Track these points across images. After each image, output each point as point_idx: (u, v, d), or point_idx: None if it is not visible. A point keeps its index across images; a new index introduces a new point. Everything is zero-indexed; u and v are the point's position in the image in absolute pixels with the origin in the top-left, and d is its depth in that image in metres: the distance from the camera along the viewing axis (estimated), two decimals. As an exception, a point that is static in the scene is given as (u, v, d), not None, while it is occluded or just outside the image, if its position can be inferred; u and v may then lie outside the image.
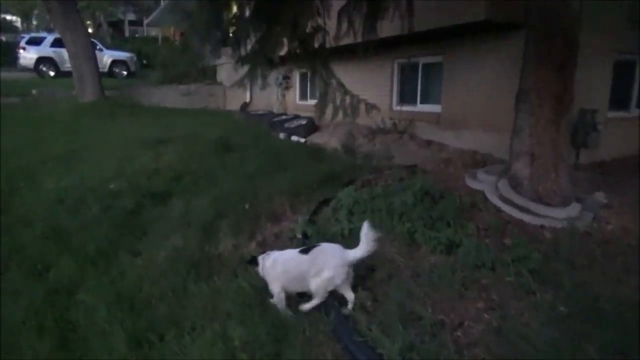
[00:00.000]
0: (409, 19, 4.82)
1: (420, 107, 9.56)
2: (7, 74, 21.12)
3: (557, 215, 4.72)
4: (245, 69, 5.48)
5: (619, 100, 8.29)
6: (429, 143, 8.56)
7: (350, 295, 3.36)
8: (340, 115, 5.10)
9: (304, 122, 11.02)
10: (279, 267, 3.40)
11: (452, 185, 5.57)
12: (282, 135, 10.23)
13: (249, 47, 5.69)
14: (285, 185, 5.78)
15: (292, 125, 10.91)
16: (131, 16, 37.49)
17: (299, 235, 4.42)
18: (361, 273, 3.76)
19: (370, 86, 10.26)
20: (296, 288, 3.41)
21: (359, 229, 4.27)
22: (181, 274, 3.89)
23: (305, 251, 3.44)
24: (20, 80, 17.49)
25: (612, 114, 7.93)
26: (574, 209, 4.82)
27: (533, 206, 4.82)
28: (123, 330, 3.15)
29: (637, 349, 2.78)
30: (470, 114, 8.29)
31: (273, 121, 11.76)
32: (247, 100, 15.49)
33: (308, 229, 4.46)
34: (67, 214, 5.04)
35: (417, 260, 3.97)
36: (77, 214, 5.07)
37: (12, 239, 4.48)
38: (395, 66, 10.16)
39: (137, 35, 36.23)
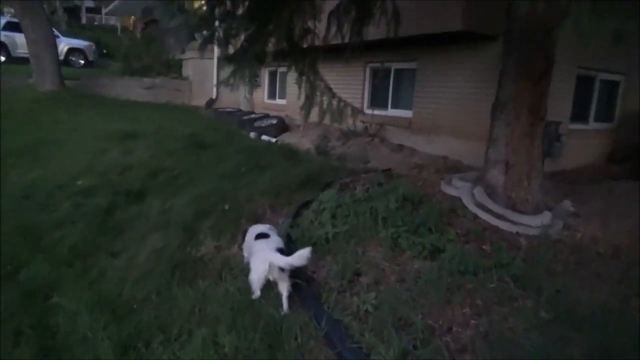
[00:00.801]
0: (395, 25, 4.87)
1: (391, 112, 9.71)
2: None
3: (531, 223, 4.91)
4: (226, 68, 5.37)
5: (579, 113, 8.72)
6: (400, 147, 8.70)
7: (283, 293, 3.45)
8: (328, 118, 5.09)
9: (274, 121, 10.95)
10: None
11: (429, 191, 5.68)
12: (252, 135, 10.12)
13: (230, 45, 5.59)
14: (264, 186, 5.73)
15: (263, 125, 10.81)
16: (89, 3, 36.06)
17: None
18: (348, 279, 3.79)
19: (342, 88, 10.29)
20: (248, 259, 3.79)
21: (343, 233, 4.37)
22: (164, 276, 3.78)
23: (257, 237, 3.77)
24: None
25: (573, 126, 8.32)
26: (545, 217, 5.03)
27: (508, 213, 4.99)
28: (107, 337, 3.03)
29: (617, 352, 2.93)
30: (441, 121, 8.49)
31: (243, 119, 11.62)
32: (214, 96, 15.23)
33: (291, 232, 4.44)
34: (36, 211, 4.80)
35: (402, 265, 4.02)
36: (47, 211, 4.83)
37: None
38: (368, 70, 10.27)
39: (95, 23, 34.88)
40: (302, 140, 9.92)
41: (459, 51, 8.06)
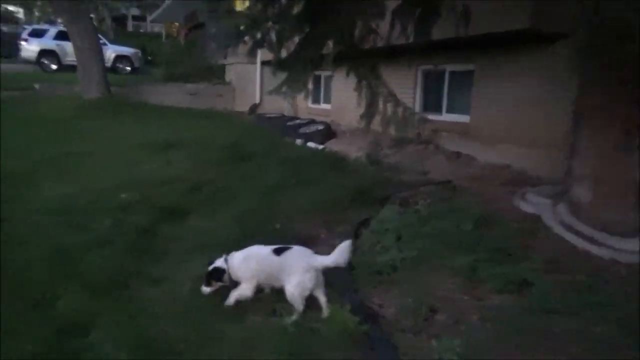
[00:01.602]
0: (465, 23, 4.29)
1: (446, 117, 9.02)
2: (7, 66, 20.53)
3: (627, 247, 4.19)
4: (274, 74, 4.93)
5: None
6: (457, 155, 8.03)
7: (322, 299, 3.29)
8: (392, 128, 4.56)
9: (320, 127, 10.49)
10: (253, 263, 3.42)
11: (500, 207, 5.05)
12: (298, 142, 9.68)
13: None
14: (314, 201, 5.24)
15: (308, 131, 10.37)
16: (135, 11, 36.90)
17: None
18: (423, 316, 3.23)
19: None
20: (270, 283, 3.45)
21: (411, 259, 3.81)
22: (209, 310, 3.33)
23: (277, 252, 3.40)
24: (22, 73, 16.87)
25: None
26: (644, 242, 4.30)
27: (600, 236, 4.29)
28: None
29: None
30: (502, 127, 7.77)
31: (287, 125, 11.21)
32: (257, 102, 14.94)
33: (352, 257, 3.91)
34: (71, 230, 4.46)
35: (483, 300, 3.43)
36: (82, 230, 4.49)
37: (8, 262, 3.88)
38: (419, 73, 9.64)
39: (140, 30, 35.64)
40: (349, 148, 9.39)
41: (523, 51, 7.32)
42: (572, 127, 4.88)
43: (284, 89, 4.69)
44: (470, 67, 8.39)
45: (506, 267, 3.58)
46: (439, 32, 5.34)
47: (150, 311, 3.33)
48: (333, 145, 9.81)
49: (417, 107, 9.71)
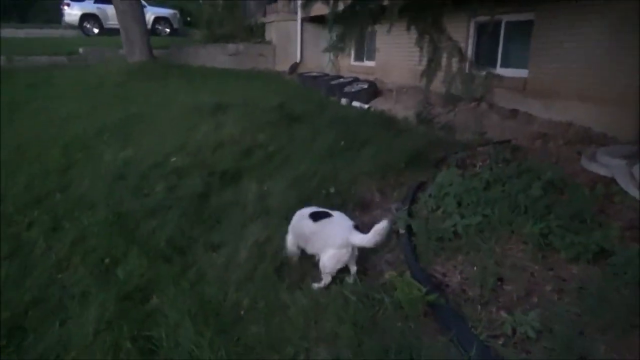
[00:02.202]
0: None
1: (501, 71, 8.50)
2: (51, 31, 20.91)
3: None
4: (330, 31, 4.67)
5: None
6: (514, 113, 7.60)
7: (353, 269, 3.27)
8: (458, 88, 4.28)
9: (365, 86, 10.17)
10: (295, 219, 3.46)
11: (569, 169, 4.73)
12: (343, 101, 9.42)
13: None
14: (367, 164, 5.08)
15: (353, 90, 10.07)
16: (171, -29, 36.44)
17: (402, 231, 3.73)
18: (490, 286, 3.07)
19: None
20: (302, 245, 3.41)
21: (475, 226, 3.62)
22: (270, 277, 3.28)
23: (315, 217, 3.30)
24: (65, 38, 17.12)
25: None
26: None
27: (684, 200, 3.96)
28: (215, 356, 2.59)
29: None
30: (564, 82, 7.24)
31: (331, 85, 10.92)
32: (298, 60, 14.64)
33: (411, 222, 3.76)
34: (130, 195, 4.50)
35: (557, 270, 3.23)
36: (141, 195, 4.53)
37: (74, 226, 3.97)
38: (472, 25, 9.07)
39: (177, -9, 35.27)
40: (396, 107, 9.08)
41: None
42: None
43: (340, 44, 4.45)
44: (529, 16, 7.80)
45: (581, 235, 3.33)
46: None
47: (211, 277, 3.32)
48: (379, 104, 9.51)
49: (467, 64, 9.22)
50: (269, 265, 3.38)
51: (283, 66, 14.74)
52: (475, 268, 3.28)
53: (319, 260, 3.23)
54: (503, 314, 2.88)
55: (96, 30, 19.79)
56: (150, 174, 5.03)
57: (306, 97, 8.93)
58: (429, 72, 4.35)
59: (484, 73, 4.20)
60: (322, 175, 4.79)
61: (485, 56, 8.92)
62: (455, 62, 4.24)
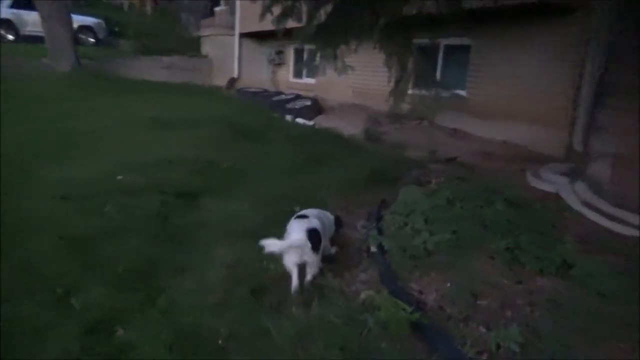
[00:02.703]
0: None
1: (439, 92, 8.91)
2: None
3: (650, 226, 4.23)
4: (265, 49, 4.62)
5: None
6: (454, 131, 7.97)
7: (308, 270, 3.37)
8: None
9: (308, 103, 10.23)
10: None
11: (518, 186, 5.00)
12: (288, 118, 9.40)
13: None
14: (329, 182, 5.07)
15: (296, 107, 10.09)
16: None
17: (374, 249, 3.73)
18: (468, 303, 3.14)
19: (382, 69, 9.57)
20: None
21: (444, 242, 3.71)
22: (246, 301, 3.14)
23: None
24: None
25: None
26: (663, 218, 4.34)
27: (622, 214, 4.31)
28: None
29: None
30: (500, 103, 7.75)
31: (273, 101, 10.87)
32: (235, 75, 14.45)
33: (383, 240, 3.78)
34: (78, 217, 4.14)
35: (526, 284, 3.37)
36: (91, 216, 4.18)
37: (16, 253, 3.56)
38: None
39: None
40: (341, 124, 9.20)
41: (524, 26, 7.24)
42: (592, 105, 4.85)
43: (316, 61, 4.42)
44: (466, 41, 8.27)
45: (544, 249, 3.51)
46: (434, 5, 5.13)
47: (183, 304, 3.12)
48: (322, 121, 9.59)
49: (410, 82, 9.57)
50: (244, 289, 3.23)
51: (220, 81, 14.47)
52: (449, 285, 3.34)
53: None
54: (482, 329, 2.95)
55: (11, 37, 18.28)
56: (96, 193, 4.67)
57: (251, 113, 8.80)
58: (397, 92, 4.43)
59: (447, 95, 4.32)
60: (284, 193, 4.71)
61: (422, 77, 9.30)
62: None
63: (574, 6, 6.38)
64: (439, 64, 8.93)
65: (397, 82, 4.43)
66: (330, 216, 3.79)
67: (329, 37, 4.22)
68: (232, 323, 2.94)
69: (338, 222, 3.86)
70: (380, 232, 4.01)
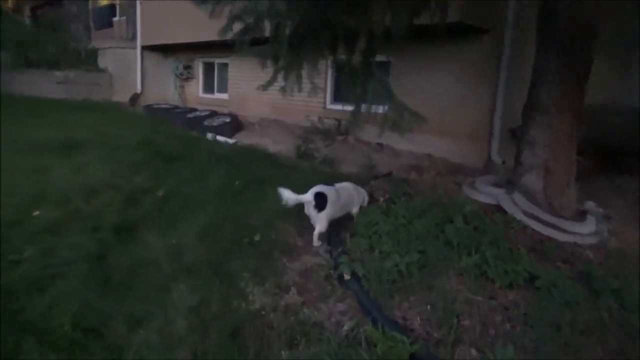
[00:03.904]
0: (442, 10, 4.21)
1: (363, 107, 9.05)
2: None
3: (583, 231, 4.58)
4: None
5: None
6: (380, 146, 8.12)
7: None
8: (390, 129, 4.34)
9: (227, 119, 9.83)
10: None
11: (459, 199, 5.16)
12: (209, 136, 8.93)
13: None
14: (275, 205, 4.80)
15: (214, 124, 9.63)
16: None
17: (347, 276, 3.58)
18: (453, 326, 3.11)
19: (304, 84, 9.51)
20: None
21: (415, 263, 3.67)
22: (226, 349, 2.82)
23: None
24: None
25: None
26: (591, 223, 4.73)
27: (560, 222, 4.62)
28: None
29: None
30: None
31: (188, 118, 10.28)
32: (139, 91, 13.52)
33: (355, 266, 3.64)
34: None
35: (498, 299, 3.43)
36: (6, 265, 3.51)
37: None
38: (329, 62, 9.53)
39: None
40: (263, 141, 8.96)
41: (442, 44, 7.62)
42: (523, 122, 5.17)
43: (279, 79, 4.18)
44: (383, 58, 8.50)
45: (508, 263, 3.62)
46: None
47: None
48: (244, 139, 9.26)
49: (329, 97, 9.63)
50: (220, 336, 2.90)
51: (122, 97, 13.45)
52: (429, 307, 3.30)
53: None
54: (473, 351, 2.94)
55: None
56: (10, 234, 3.97)
57: (168, 133, 8.21)
58: (358, 111, 4.34)
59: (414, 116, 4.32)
60: (232, 221, 4.38)
61: (346, 91, 9.42)
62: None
63: (487, 27, 6.84)
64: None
65: (358, 99, 4.34)
66: (361, 190, 4.83)
67: (296, 53, 4.01)
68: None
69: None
70: (345, 254, 3.87)
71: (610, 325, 3.16)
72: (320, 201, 4.15)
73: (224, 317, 3.10)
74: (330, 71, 9.59)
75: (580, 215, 4.89)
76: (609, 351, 2.95)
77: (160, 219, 4.41)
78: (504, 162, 7.17)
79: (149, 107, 11.81)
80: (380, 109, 8.41)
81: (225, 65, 11.94)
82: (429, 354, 2.81)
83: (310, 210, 4.19)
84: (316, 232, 4.21)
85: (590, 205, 5.34)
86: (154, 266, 3.65)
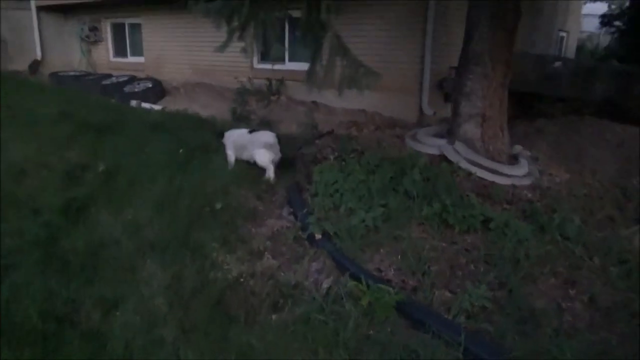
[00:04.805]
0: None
1: (290, 66, 8.91)
2: None
3: (518, 173, 4.97)
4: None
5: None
6: (315, 105, 8.09)
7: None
8: (347, 87, 4.28)
9: (149, 85, 9.22)
10: (234, 137, 5.03)
11: (405, 152, 5.36)
12: (133, 103, 8.34)
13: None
14: (224, 172, 4.71)
15: (136, 90, 9.00)
16: None
17: (319, 235, 3.62)
18: (424, 271, 3.29)
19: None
20: (239, 155, 4.97)
21: (380, 217, 3.80)
22: (214, 321, 2.78)
23: (250, 132, 5.02)
24: None
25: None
26: (524, 165, 5.14)
27: (500, 167, 4.97)
28: None
29: None
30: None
31: (104, 85, 9.49)
32: (39, 57, 12.19)
33: (324, 225, 3.68)
34: None
35: (460, 244, 3.67)
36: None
37: None
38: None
39: None
40: (192, 106, 8.55)
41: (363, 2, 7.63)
42: (456, 72, 5.39)
43: (235, 39, 3.92)
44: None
45: (464, 209, 3.85)
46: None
47: (141, 344, 2.61)
48: (171, 105, 8.77)
49: (256, 57, 9.33)
50: (204, 309, 2.85)
51: (19, 65, 12.03)
52: (399, 257, 3.45)
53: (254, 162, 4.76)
54: (448, 293, 3.15)
55: None
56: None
57: (86, 103, 7.56)
58: (313, 70, 4.25)
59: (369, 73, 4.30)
60: (187, 192, 4.22)
61: (274, 52, 9.17)
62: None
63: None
64: (287, 37, 8.88)
65: (313, 59, 4.23)
66: (263, 137, 4.91)
67: (254, 10, 3.79)
68: (212, 352, 2.58)
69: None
70: (310, 214, 3.90)
71: (558, 256, 3.51)
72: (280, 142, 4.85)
73: (203, 289, 3.03)
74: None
75: (513, 159, 5.30)
76: (562, 279, 3.29)
77: (108, 195, 4.14)
78: (435, 114, 7.48)
79: (55, 75, 10.72)
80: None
81: (138, 25, 11.09)
82: (412, 300, 2.96)
83: (275, 152, 4.78)
84: (270, 173, 4.74)
85: (518, 148, 5.76)
86: (114, 245, 3.46)
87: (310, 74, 4.21)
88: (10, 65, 12.22)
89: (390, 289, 2.88)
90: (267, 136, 4.80)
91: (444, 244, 3.64)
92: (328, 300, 2.99)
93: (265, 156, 4.67)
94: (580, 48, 16.94)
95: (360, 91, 4.13)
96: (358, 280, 3.09)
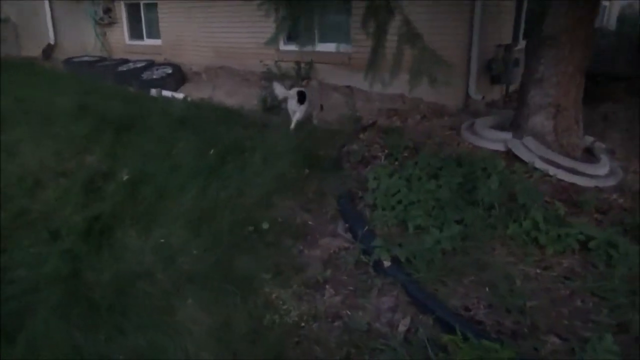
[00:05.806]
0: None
1: (320, 47, 8.21)
2: None
3: (600, 173, 4.31)
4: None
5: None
6: (350, 90, 7.43)
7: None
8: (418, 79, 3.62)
9: (169, 70, 8.61)
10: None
11: (462, 147, 4.72)
12: (153, 92, 7.75)
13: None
14: (263, 179, 4.10)
15: (154, 77, 8.40)
16: None
17: (388, 263, 3.02)
18: (517, 306, 2.70)
19: (256, 24, 8.37)
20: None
21: (457, 237, 3.19)
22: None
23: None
24: None
25: (520, 46, 7.95)
26: (605, 163, 4.46)
27: (579, 165, 4.30)
28: None
29: None
30: (388, 54, 7.38)
31: (120, 72, 8.91)
32: (52, 42, 11.66)
33: (393, 249, 3.08)
34: None
35: (553, 268, 3.05)
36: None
37: None
38: None
39: None
40: (216, 93, 7.95)
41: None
42: (526, 56, 4.69)
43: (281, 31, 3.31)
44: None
45: (559, 226, 3.22)
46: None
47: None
48: (193, 92, 8.17)
49: (282, 38, 8.66)
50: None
51: (32, 51, 11.54)
52: (487, 290, 2.86)
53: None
54: (555, 339, 2.55)
55: None
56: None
57: (104, 93, 7.01)
58: (376, 56, 3.60)
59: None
60: (225, 203, 3.65)
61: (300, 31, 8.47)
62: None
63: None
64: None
65: (376, 45, 3.56)
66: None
67: None
68: None
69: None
70: (373, 234, 3.31)
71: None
72: (301, 97, 5.52)
73: (258, 339, 2.48)
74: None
75: (589, 154, 4.62)
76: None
77: (134, 211, 3.58)
78: (483, 98, 6.79)
79: (69, 61, 10.15)
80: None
81: (154, 5, 10.44)
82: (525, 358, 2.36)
83: (293, 104, 5.51)
84: (294, 119, 5.48)
85: (590, 140, 5.06)
86: (145, 278, 2.91)
87: (371, 63, 3.55)
88: (24, 52, 11.74)
89: (498, 346, 2.28)
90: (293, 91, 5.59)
91: (537, 270, 3.03)
92: (412, 351, 2.42)
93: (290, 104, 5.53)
94: (621, 18, 15.78)
95: (431, 84, 3.39)
96: (443, 323, 2.52)
